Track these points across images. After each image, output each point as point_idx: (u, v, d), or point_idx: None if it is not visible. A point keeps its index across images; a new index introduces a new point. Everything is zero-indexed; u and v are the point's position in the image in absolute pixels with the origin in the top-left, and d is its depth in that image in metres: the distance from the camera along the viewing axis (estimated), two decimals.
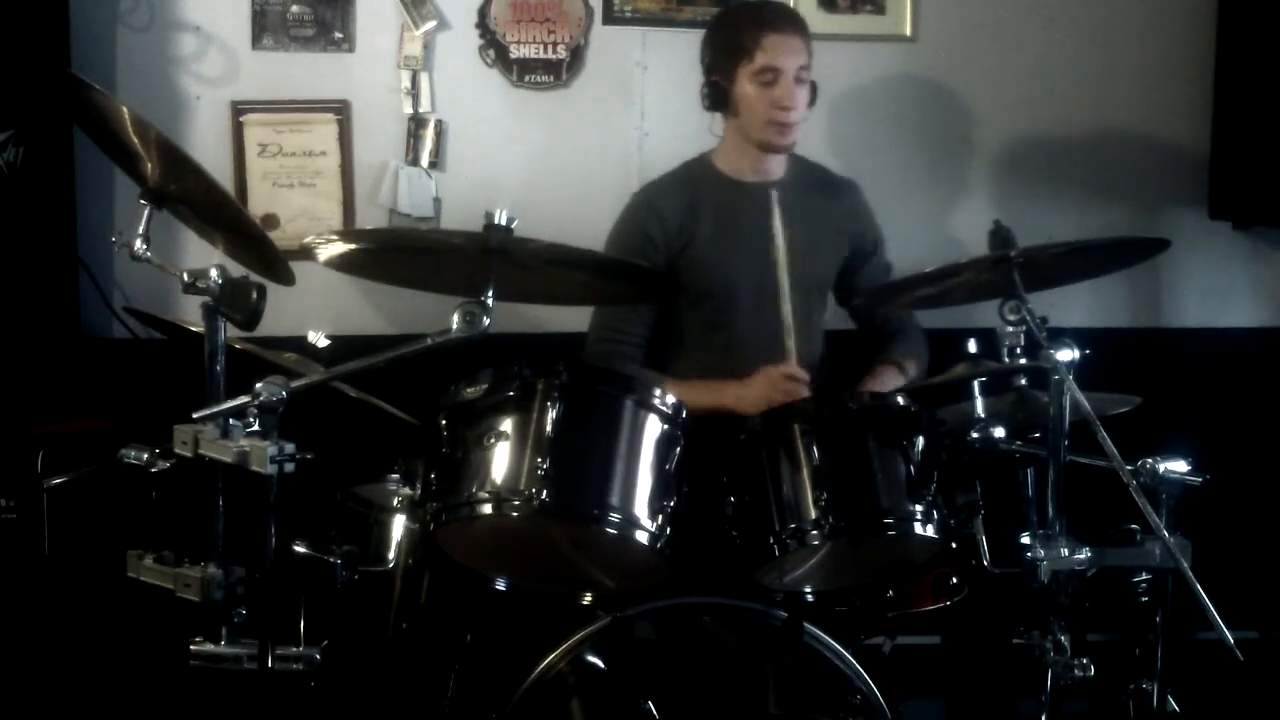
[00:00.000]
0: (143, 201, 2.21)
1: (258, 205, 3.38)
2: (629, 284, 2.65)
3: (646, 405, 2.29)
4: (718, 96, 2.91)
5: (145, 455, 2.15)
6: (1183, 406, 3.41)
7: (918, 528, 2.30)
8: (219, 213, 2.31)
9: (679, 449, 2.30)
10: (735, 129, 2.94)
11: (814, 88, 2.93)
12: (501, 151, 3.47)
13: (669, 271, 2.90)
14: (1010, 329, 2.25)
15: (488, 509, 2.21)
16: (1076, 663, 2.22)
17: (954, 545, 2.40)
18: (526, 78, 3.46)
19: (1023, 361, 2.26)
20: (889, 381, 2.86)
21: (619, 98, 3.49)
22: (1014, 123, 3.61)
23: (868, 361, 2.97)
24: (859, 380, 2.91)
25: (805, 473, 2.31)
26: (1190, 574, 2.08)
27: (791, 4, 3.41)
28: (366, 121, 3.42)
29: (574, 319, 3.07)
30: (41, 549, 2.82)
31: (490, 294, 2.11)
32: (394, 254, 2.44)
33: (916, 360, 2.96)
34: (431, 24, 3.40)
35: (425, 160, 3.43)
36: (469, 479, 2.22)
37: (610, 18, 3.46)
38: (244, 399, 2.00)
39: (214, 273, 2.09)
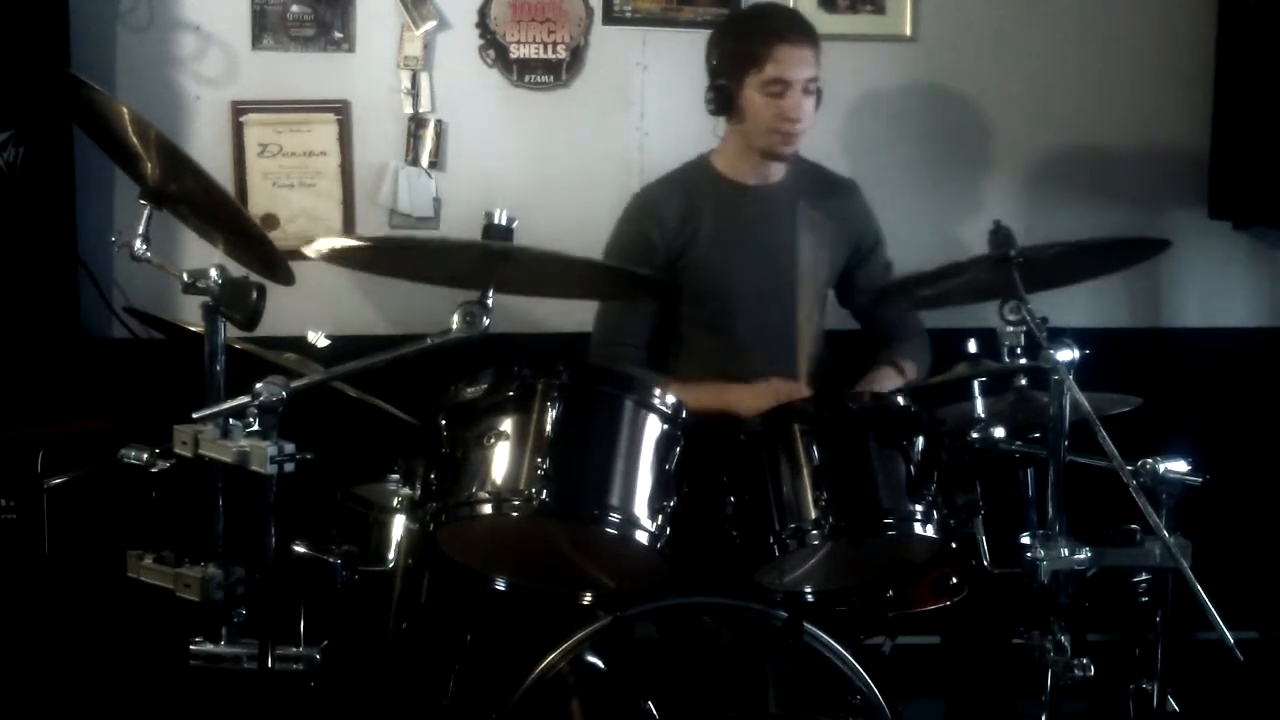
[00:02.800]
0: (143, 201, 2.21)
1: (258, 205, 3.38)
2: (628, 283, 2.65)
3: (646, 405, 2.29)
4: (724, 101, 2.89)
5: (145, 455, 2.15)
6: (1183, 406, 3.42)
7: (918, 528, 2.30)
8: (219, 213, 2.31)
9: (679, 449, 2.30)
10: (738, 133, 2.93)
11: (819, 93, 2.93)
12: (501, 151, 3.47)
13: (669, 273, 2.90)
14: (1010, 329, 2.25)
15: (488, 509, 2.20)
16: (1076, 663, 2.21)
17: (954, 545, 2.39)
18: (526, 78, 3.46)
19: (1023, 361, 2.25)
20: (887, 383, 2.86)
21: (619, 98, 3.49)
22: (1014, 123, 3.61)
23: (868, 361, 2.96)
24: (858, 380, 2.91)
25: (805, 473, 2.30)
26: (1190, 574, 2.07)
27: (791, 3, 3.42)
28: (366, 121, 3.42)
29: (574, 319, 3.07)
30: (41, 549, 2.82)
31: (490, 294, 2.11)
32: (394, 254, 2.44)
33: (917, 363, 2.96)
34: (431, 24, 3.40)
35: (425, 160, 3.43)
36: (469, 479, 2.22)
37: (610, 18, 3.46)
38: (244, 399, 2.00)
39: (214, 273, 2.09)
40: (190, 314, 2.33)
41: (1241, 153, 3.48)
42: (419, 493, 2.31)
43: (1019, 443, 2.40)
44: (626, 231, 2.95)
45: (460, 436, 2.25)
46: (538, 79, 3.46)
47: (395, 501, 2.42)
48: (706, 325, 2.94)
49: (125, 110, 2.18)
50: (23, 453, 2.84)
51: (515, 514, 2.20)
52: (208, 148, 3.33)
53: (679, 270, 2.93)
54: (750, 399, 2.72)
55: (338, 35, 3.40)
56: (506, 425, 2.22)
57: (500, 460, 2.21)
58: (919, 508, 2.29)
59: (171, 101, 3.35)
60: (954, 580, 2.58)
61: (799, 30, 2.88)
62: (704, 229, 2.94)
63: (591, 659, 2.39)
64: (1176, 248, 2.83)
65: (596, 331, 2.96)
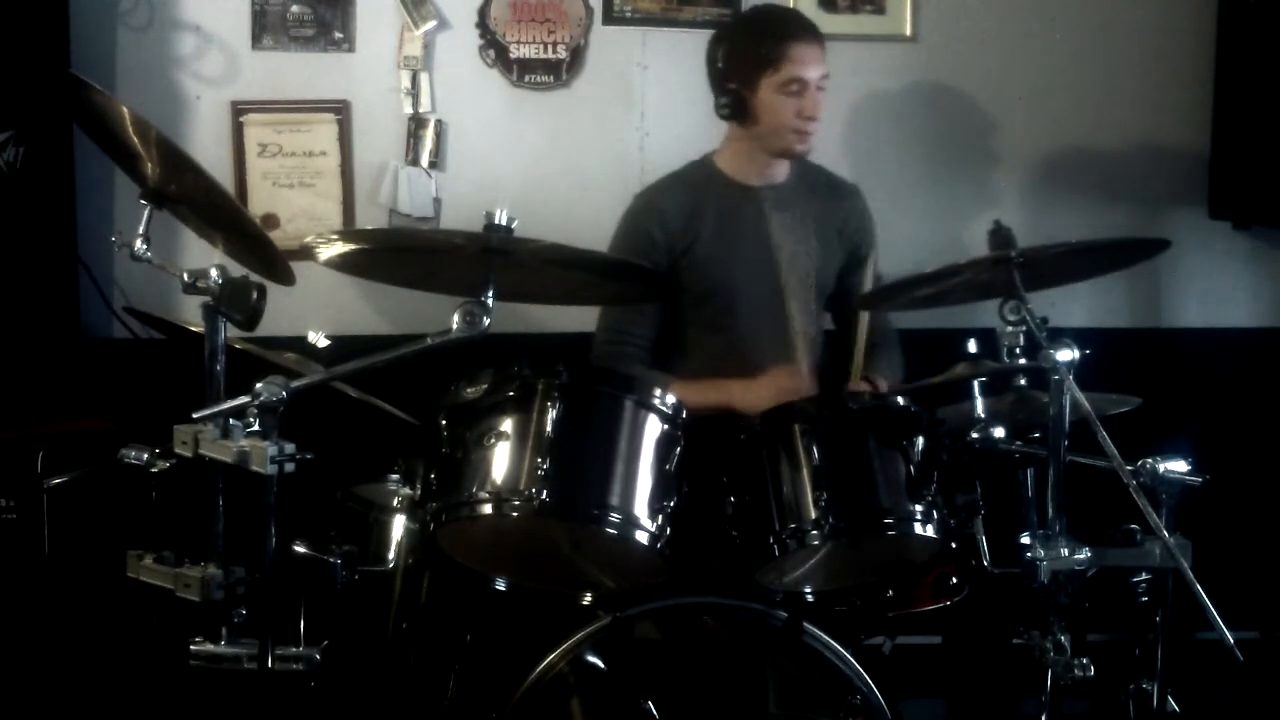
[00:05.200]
0: (143, 201, 2.21)
1: (258, 205, 3.38)
2: (629, 284, 2.65)
3: (646, 405, 2.29)
4: (737, 106, 2.89)
5: (145, 455, 2.15)
6: (1183, 406, 3.42)
7: (918, 528, 2.30)
8: (219, 213, 2.31)
9: (679, 449, 2.30)
10: (746, 134, 2.93)
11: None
12: (501, 151, 3.47)
13: (671, 272, 2.90)
14: (1010, 329, 2.25)
15: (488, 509, 2.21)
16: (1076, 663, 2.21)
17: (954, 545, 2.40)
18: (526, 78, 3.46)
19: (1023, 361, 2.25)
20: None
21: (619, 98, 3.49)
22: (1014, 123, 3.61)
23: (841, 371, 2.91)
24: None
25: (805, 473, 2.31)
26: (1190, 574, 2.07)
27: (790, 3, 3.43)
28: (366, 121, 3.42)
29: (574, 319, 3.07)
30: (41, 549, 2.82)
31: (490, 294, 2.11)
32: (394, 254, 2.44)
33: (891, 374, 2.94)
34: (431, 24, 3.40)
35: (425, 160, 3.43)
36: (469, 479, 2.22)
37: (610, 18, 3.46)
38: (244, 399, 2.00)
39: (214, 273, 2.09)
40: (190, 314, 2.33)
41: (1241, 153, 3.49)
42: (419, 493, 2.31)
43: (1019, 443, 2.41)
44: (629, 229, 2.95)
45: (460, 436, 2.25)
46: (538, 79, 3.46)
47: (395, 501, 2.43)
48: (708, 325, 2.94)
49: (125, 110, 2.18)
50: (23, 453, 2.84)
51: (515, 514, 2.20)
52: (208, 148, 3.33)
53: (681, 270, 2.93)
54: (753, 393, 2.73)
55: (338, 35, 3.40)
56: (506, 425, 2.23)
57: (500, 460, 2.21)
58: (919, 508, 2.30)
59: (171, 101, 3.35)
60: (954, 580, 2.58)
61: (807, 29, 2.91)
62: (707, 228, 2.94)
63: (591, 659, 2.39)
64: (1176, 248, 2.84)
65: (600, 330, 2.96)
